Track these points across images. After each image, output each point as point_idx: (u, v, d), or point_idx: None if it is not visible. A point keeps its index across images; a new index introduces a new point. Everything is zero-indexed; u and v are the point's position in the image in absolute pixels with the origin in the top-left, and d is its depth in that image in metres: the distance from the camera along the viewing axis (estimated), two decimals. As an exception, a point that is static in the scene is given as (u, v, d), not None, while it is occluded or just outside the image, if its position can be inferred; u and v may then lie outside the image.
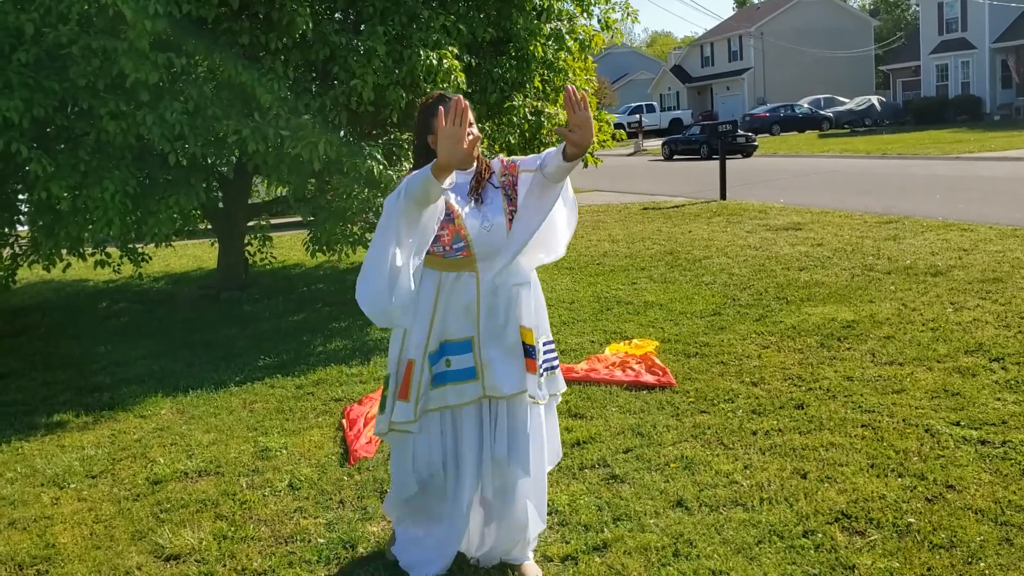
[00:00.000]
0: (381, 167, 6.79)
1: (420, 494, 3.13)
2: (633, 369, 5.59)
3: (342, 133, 7.23)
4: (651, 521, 3.54)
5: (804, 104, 44.46)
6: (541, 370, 3.09)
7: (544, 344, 3.13)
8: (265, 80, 6.87)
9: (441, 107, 2.67)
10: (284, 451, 4.68)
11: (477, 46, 7.91)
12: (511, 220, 2.99)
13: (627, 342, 6.32)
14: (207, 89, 6.88)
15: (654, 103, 57.88)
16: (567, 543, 3.42)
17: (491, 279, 2.99)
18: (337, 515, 3.85)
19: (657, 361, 5.69)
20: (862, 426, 4.38)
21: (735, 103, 53.63)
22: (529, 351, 3.04)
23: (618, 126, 52.84)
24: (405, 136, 7.13)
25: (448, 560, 3.18)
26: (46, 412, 5.72)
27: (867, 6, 69.64)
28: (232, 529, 3.79)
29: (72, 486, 4.43)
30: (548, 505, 3.72)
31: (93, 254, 8.58)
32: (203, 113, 6.77)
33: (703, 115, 52.71)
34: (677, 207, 15.22)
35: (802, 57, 52.29)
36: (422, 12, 7.27)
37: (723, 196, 15.73)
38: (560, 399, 3.31)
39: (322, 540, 3.61)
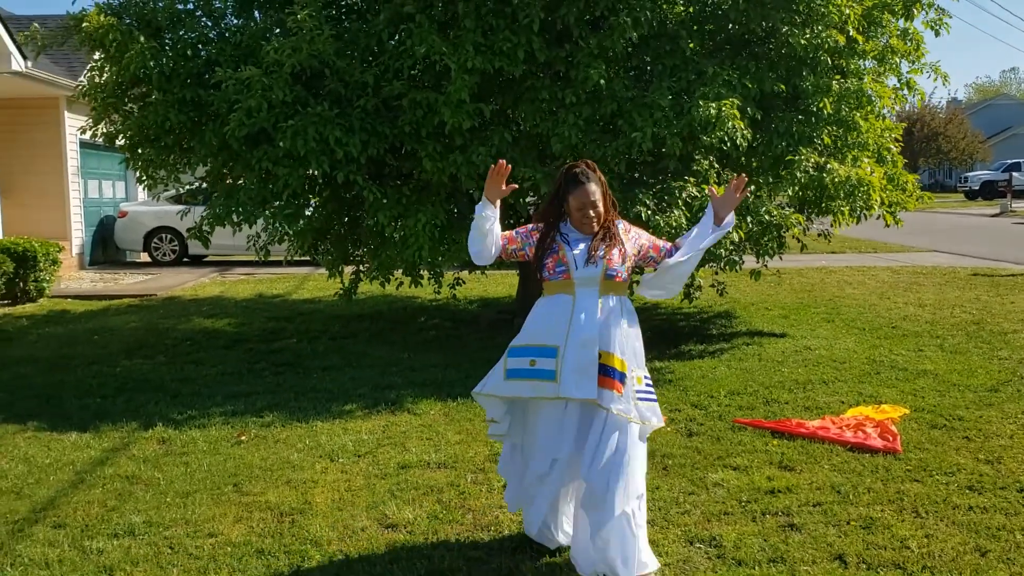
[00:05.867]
0: (649, 212, 7.26)
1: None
2: (865, 432, 5.52)
3: (623, 181, 7.80)
4: (804, 568, 3.66)
5: None
6: (627, 393, 3.66)
7: (641, 379, 3.77)
8: (557, 130, 7.66)
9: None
10: (510, 458, 5.29)
11: (766, 100, 8.10)
12: (613, 262, 3.76)
13: (875, 406, 6.19)
14: (507, 135, 7.82)
15: (1035, 160, 52.09)
16: (715, 572, 3.66)
17: (585, 305, 3.72)
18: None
19: (892, 428, 5.57)
20: (1084, 519, 4.08)
21: None
22: (610, 372, 3.65)
23: (987, 183, 47.34)
24: (677, 184, 7.52)
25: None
26: (343, 400, 6.85)
27: None
28: (444, 512, 4.46)
29: (340, 460, 5.38)
30: (715, 539, 3.98)
31: (414, 274, 9.90)
32: (504, 157, 7.68)
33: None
34: (1013, 276, 13.94)
35: None
36: (708, 68, 7.66)
37: (1072, 267, 14.15)
38: (648, 432, 3.79)
39: (509, 532, 4.16)
